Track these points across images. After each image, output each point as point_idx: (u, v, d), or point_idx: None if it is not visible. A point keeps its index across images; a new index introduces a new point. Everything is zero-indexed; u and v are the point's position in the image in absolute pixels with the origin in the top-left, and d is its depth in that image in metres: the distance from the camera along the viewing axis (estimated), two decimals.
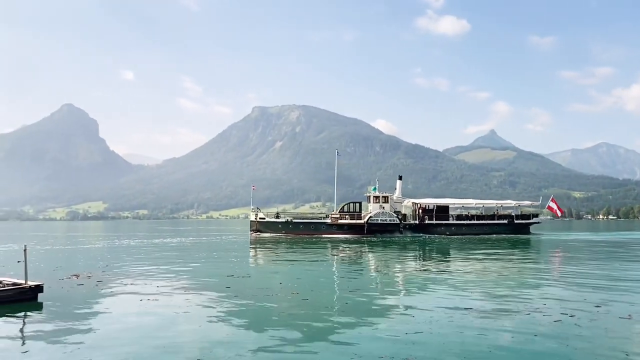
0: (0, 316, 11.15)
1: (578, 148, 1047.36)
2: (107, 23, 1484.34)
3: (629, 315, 10.96)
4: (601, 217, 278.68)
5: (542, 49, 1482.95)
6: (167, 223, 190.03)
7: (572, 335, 9.24)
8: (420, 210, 52.95)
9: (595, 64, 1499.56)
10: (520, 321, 10.43)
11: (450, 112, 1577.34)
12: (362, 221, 50.32)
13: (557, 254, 30.09)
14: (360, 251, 31.73)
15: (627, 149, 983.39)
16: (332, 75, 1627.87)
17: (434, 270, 20.95)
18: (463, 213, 54.73)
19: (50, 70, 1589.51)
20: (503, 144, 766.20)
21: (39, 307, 12.22)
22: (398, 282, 17.68)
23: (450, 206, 54.81)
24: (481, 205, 57.09)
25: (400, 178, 58.08)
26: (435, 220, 51.86)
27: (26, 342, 9.29)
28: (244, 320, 10.78)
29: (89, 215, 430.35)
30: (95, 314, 11.55)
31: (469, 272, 19.96)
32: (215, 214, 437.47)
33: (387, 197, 51.71)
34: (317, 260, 25.52)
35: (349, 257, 27.80)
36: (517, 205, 56.65)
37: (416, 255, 28.68)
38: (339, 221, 50.83)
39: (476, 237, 46.97)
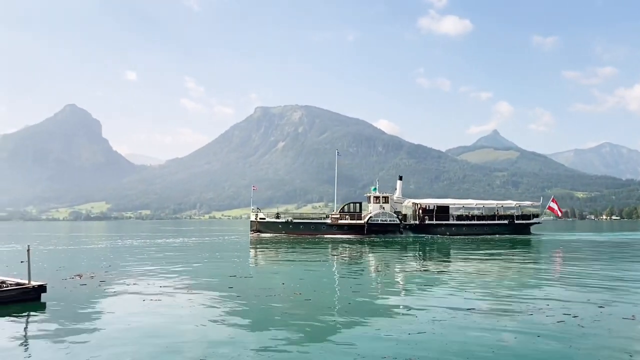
0: (3, 316, 11.18)
1: (581, 148, 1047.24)
2: (109, 24, 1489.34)
3: (633, 315, 10.91)
4: (604, 217, 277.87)
5: (545, 48, 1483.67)
6: (169, 223, 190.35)
7: (576, 335, 9.21)
8: (421, 211, 52.91)
9: (598, 64, 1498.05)
10: (523, 321, 10.40)
11: (452, 112, 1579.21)
12: (362, 221, 50.33)
13: (558, 255, 29.99)
14: (361, 251, 31.72)
15: (630, 149, 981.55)
16: (334, 75, 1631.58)
17: (435, 270, 20.92)
18: (464, 213, 54.66)
19: (53, 70, 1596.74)
20: (506, 144, 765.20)
21: (42, 307, 12.24)
22: (400, 282, 17.65)
23: (450, 206, 54.74)
24: (481, 206, 56.97)
25: (400, 178, 58.02)
26: (436, 220, 51.80)
27: (29, 342, 9.30)
28: (247, 321, 10.78)
29: (92, 216, 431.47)
30: (98, 313, 11.57)
31: (470, 272, 19.91)
32: (217, 214, 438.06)
33: (387, 197, 51.71)
34: (318, 261, 25.51)
35: (350, 257, 27.79)
36: (517, 205, 56.59)
37: (417, 256, 28.64)
38: (339, 221, 50.84)
39: (476, 237, 46.88)
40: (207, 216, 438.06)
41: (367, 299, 13.51)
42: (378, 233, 49.71)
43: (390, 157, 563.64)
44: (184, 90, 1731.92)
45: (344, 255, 29.03)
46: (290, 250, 32.89)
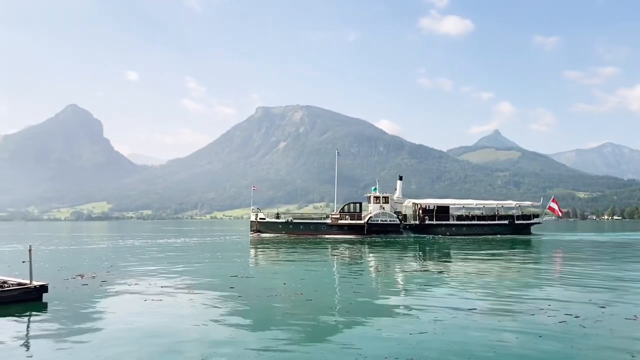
0: (5, 316, 11.20)
1: (582, 148, 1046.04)
2: (110, 24, 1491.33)
3: (635, 316, 10.88)
4: (606, 217, 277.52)
5: (546, 48, 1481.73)
6: (171, 223, 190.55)
7: (578, 336, 9.19)
8: (421, 211, 52.89)
9: (600, 63, 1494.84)
10: (525, 322, 10.38)
11: (453, 113, 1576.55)
12: (362, 222, 50.33)
13: (559, 255, 29.96)
14: (361, 252, 31.72)
15: (631, 149, 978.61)
16: (335, 75, 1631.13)
17: (436, 270, 20.90)
18: (464, 214, 54.63)
19: (54, 70, 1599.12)
20: (507, 144, 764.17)
21: (43, 307, 12.25)
22: (400, 282, 17.64)
23: (450, 206, 54.69)
24: (482, 206, 56.92)
25: (400, 178, 57.99)
26: (436, 220, 51.77)
27: (31, 342, 9.31)
28: (249, 321, 10.79)
29: (93, 216, 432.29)
30: (100, 313, 11.58)
31: (471, 272, 19.89)
32: (219, 215, 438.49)
33: (388, 197, 51.73)
34: (319, 261, 25.52)
35: (350, 257, 27.79)
36: (517, 205, 56.52)
37: (417, 256, 28.63)
38: (339, 221, 50.84)
39: (476, 237, 46.86)
40: (208, 216, 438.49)
41: (368, 299, 13.51)
42: (378, 233, 49.70)
43: (392, 157, 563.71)
44: (185, 91, 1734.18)
45: (344, 255, 29.03)
46: (291, 250, 32.89)
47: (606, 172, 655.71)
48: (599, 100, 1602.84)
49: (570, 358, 7.92)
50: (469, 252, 30.44)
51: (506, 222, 52.67)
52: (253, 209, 55.82)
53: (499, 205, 55.95)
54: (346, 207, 52.57)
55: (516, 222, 53.03)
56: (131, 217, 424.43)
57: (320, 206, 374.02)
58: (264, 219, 54.13)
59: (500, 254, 29.28)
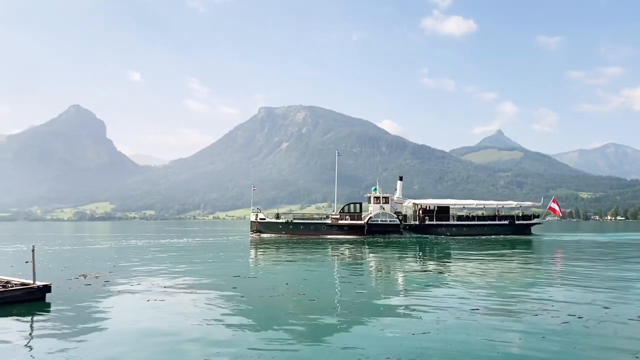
0: (8, 316, 11.24)
1: (585, 148, 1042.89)
2: (114, 24, 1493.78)
3: (638, 316, 10.86)
4: (609, 217, 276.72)
5: (550, 49, 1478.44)
6: (173, 223, 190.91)
7: (581, 336, 9.18)
8: (421, 211, 52.85)
9: (603, 64, 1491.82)
10: (528, 322, 10.37)
11: (456, 113, 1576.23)
12: (362, 222, 50.31)
13: (560, 255, 29.89)
14: (362, 252, 31.71)
15: (635, 149, 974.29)
16: (338, 75, 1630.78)
17: (437, 270, 20.89)
18: (464, 214, 54.52)
19: (57, 71, 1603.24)
20: (510, 145, 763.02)
21: (47, 307, 12.29)
22: (403, 282, 17.62)
23: (450, 207, 54.63)
24: (482, 206, 56.83)
25: (400, 179, 57.96)
26: (436, 220, 51.71)
27: (34, 341, 9.34)
28: (251, 321, 10.80)
29: (96, 216, 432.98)
30: (103, 313, 11.60)
31: (473, 272, 19.85)
32: (221, 215, 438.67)
33: (388, 197, 51.71)
34: (320, 261, 25.53)
35: (351, 257, 27.80)
36: (518, 205, 56.36)
37: (417, 256, 28.61)
38: (339, 222, 50.83)
39: (477, 238, 46.81)
40: (211, 216, 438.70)
41: (370, 300, 13.51)
42: (378, 233, 49.70)
43: (394, 158, 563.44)
44: (188, 91, 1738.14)
45: (345, 255, 29.03)
46: (292, 250, 32.91)
47: (609, 172, 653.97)
48: (603, 101, 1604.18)
49: (574, 359, 7.91)
50: (469, 252, 30.39)
51: (506, 222, 52.59)
52: (253, 209, 55.85)
53: (499, 206, 55.88)
54: (346, 208, 52.57)
55: (516, 222, 52.95)
56: (134, 218, 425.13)
57: (323, 206, 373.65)
58: (264, 219, 54.14)
59: (501, 254, 29.21)
